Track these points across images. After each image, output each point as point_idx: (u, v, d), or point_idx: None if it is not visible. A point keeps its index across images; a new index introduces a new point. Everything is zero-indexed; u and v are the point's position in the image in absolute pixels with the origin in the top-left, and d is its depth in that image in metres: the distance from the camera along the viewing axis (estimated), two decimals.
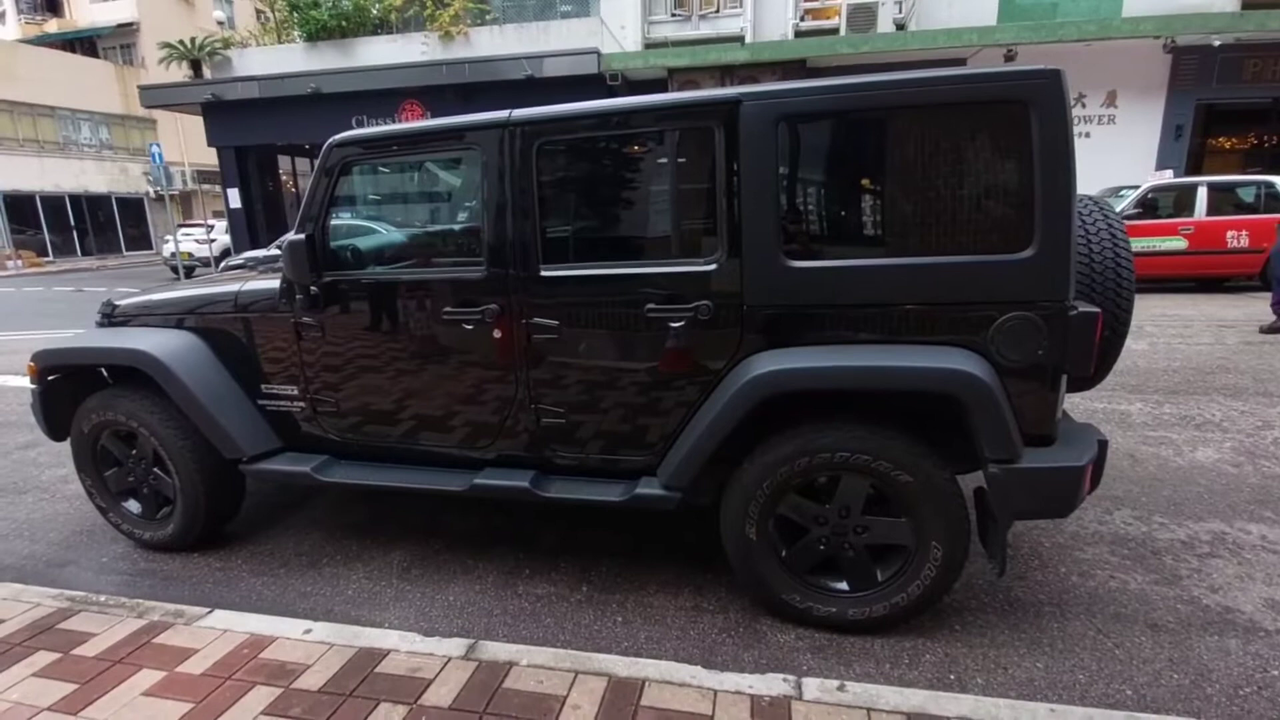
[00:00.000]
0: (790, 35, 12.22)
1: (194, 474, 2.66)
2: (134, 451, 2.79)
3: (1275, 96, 11.60)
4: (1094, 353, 1.93)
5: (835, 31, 12.00)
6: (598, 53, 12.21)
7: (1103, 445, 2.04)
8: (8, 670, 1.97)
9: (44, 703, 1.83)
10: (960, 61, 11.06)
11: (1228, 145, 13.17)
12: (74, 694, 1.86)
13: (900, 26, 11.71)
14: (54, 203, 24.15)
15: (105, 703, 1.83)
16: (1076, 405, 4.19)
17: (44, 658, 2.03)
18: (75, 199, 24.78)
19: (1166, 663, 2.00)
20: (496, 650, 1.98)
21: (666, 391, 2.21)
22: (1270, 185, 8.79)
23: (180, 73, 15.07)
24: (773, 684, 1.80)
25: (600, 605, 2.39)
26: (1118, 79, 11.55)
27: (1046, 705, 1.72)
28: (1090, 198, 2.30)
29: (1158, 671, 1.97)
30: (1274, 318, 6.20)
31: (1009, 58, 10.88)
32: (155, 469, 2.77)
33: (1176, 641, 2.09)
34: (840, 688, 1.78)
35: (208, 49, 14.53)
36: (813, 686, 1.79)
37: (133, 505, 2.87)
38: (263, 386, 2.69)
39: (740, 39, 12.31)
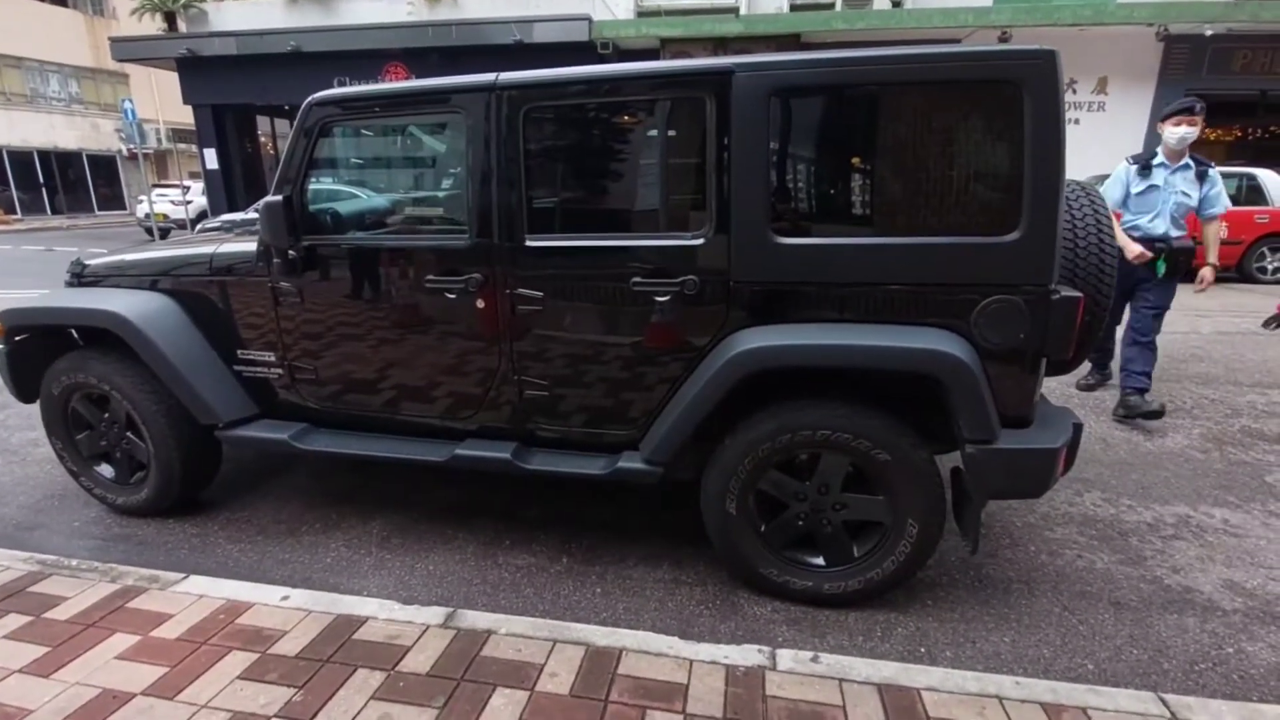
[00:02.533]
0: (785, 8, 12.03)
1: (168, 439, 2.62)
2: (106, 415, 2.74)
3: (1263, 89, 11.68)
4: (1074, 337, 1.95)
5: (831, 6, 11.83)
6: (589, 19, 11.94)
7: (1077, 429, 2.08)
8: None
9: (15, 665, 1.81)
10: (955, 42, 10.96)
11: (1213, 137, 13.25)
12: (46, 657, 1.85)
13: (896, 4, 11.57)
14: (22, 158, 23.29)
15: (78, 665, 1.81)
16: (1053, 389, 4.26)
17: (15, 620, 2.00)
18: (44, 155, 23.91)
19: (1127, 639, 2.07)
20: (475, 619, 1.99)
21: (650, 366, 2.20)
22: (1252, 178, 8.90)
23: (154, 25, 14.48)
24: (748, 654, 1.83)
25: (580, 577, 2.40)
26: (1109, 66, 11.55)
27: (1012, 678, 1.77)
28: (1078, 183, 2.31)
29: (1118, 647, 2.03)
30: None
31: (1004, 40, 10.82)
32: (128, 433, 2.72)
33: (1138, 619, 2.16)
34: (814, 659, 1.82)
35: (183, 1, 13.96)
36: (787, 657, 1.82)
37: (105, 469, 2.83)
38: (239, 352, 2.64)
39: (735, 10, 12.10)
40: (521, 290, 2.23)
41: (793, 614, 2.17)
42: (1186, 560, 2.48)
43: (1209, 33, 10.88)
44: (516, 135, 2.15)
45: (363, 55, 12.96)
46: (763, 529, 2.19)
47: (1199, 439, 3.61)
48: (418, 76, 12.32)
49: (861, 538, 2.16)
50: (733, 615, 2.18)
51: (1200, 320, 6.61)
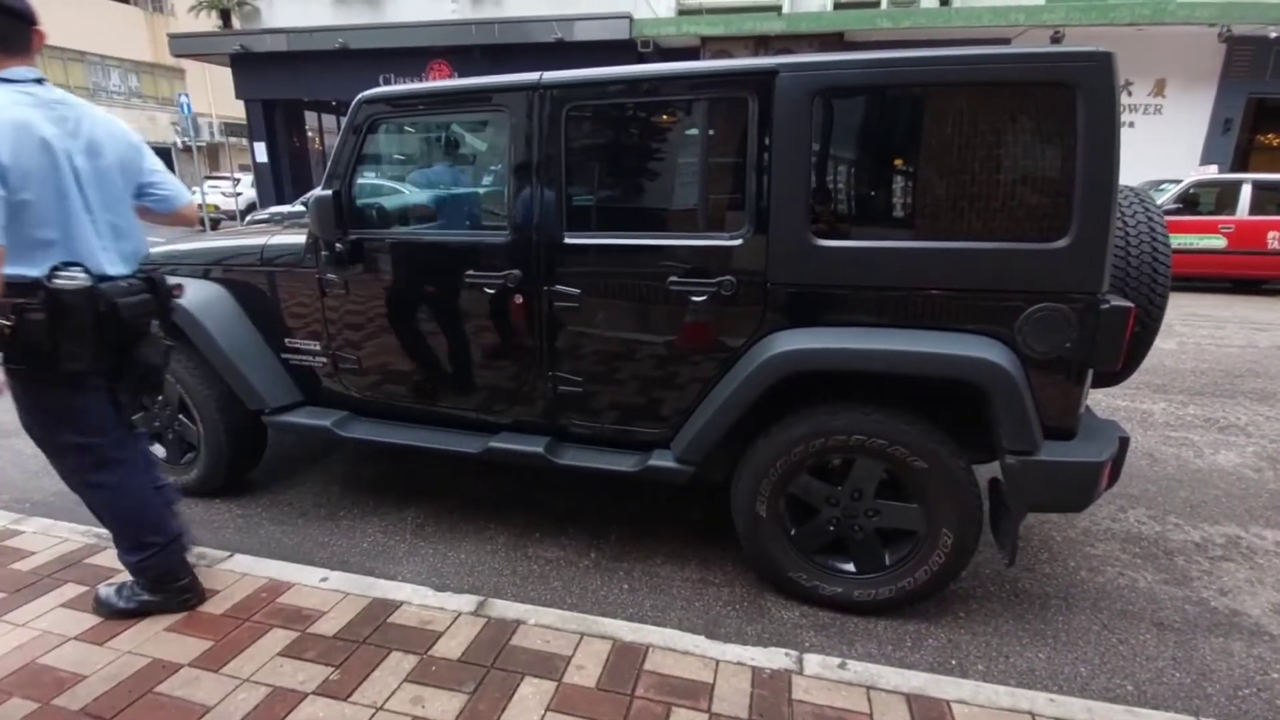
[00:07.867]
0: (829, 7, 11.89)
1: (217, 423, 2.72)
2: (159, 397, 2.85)
3: None
4: (1123, 349, 1.89)
5: (876, 4, 11.65)
6: (630, 17, 11.96)
7: (1123, 443, 2.02)
8: (38, 600, 2.06)
9: (72, 632, 1.91)
10: (1005, 41, 10.68)
11: (1276, 143, 12.67)
12: (99, 626, 1.94)
13: (944, 2, 11.32)
14: None
15: (130, 635, 1.90)
16: (1099, 401, 4.13)
17: (71, 590, 2.11)
18: None
19: (1169, 661, 2.00)
20: (505, 609, 2.03)
21: (684, 365, 2.20)
22: None
23: (210, 22, 15.02)
24: (774, 657, 1.83)
25: (608, 572, 2.43)
26: (1167, 67, 11.12)
27: (1046, 695, 1.73)
28: (1131, 189, 2.23)
29: (1160, 669, 1.97)
30: None
31: (1056, 39, 10.50)
32: (180, 416, 2.83)
33: (1181, 641, 2.09)
34: (841, 665, 1.80)
35: None
36: (814, 662, 1.81)
37: (158, 449, 2.95)
38: (286, 340, 2.72)
39: (777, 9, 12.00)
40: (559, 287, 2.25)
41: (821, 619, 2.16)
42: (1235, 582, 2.39)
43: (1274, 35, 10.39)
44: (558, 133, 2.18)
45: (407, 52, 13.23)
46: (793, 533, 2.17)
47: (1253, 457, 3.46)
48: (460, 74, 12.54)
49: (893, 545, 2.13)
50: (760, 618, 2.18)
51: (1258, 334, 6.33)
